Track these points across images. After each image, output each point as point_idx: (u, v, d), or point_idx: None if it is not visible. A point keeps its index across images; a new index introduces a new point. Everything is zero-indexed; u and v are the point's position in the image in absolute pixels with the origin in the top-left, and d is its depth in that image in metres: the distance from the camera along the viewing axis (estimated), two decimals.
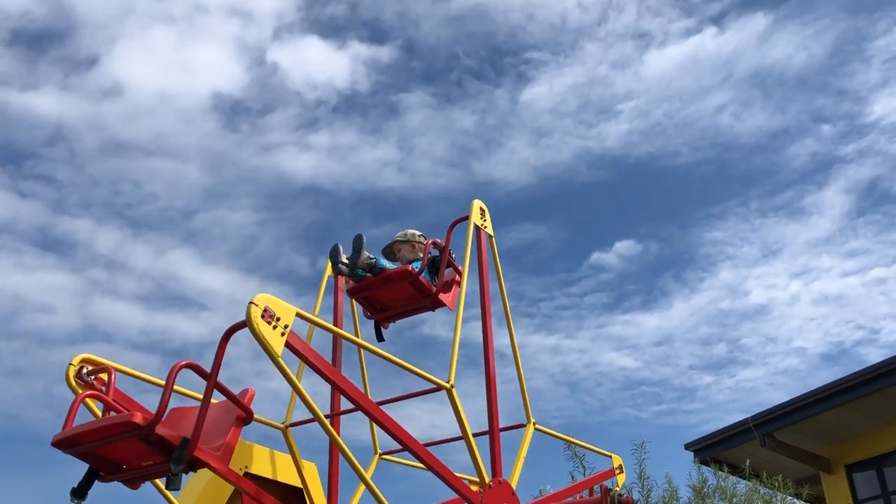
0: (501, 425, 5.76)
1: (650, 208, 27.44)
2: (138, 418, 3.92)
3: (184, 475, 4.06)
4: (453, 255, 5.80)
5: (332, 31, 25.22)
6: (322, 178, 24.84)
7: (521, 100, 26.41)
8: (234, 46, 23.85)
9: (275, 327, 3.93)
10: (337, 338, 5.94)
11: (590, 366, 24.50)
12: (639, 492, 9.46)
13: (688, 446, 13.42)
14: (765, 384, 24.51)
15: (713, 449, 12.94)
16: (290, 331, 4.03)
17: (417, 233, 5.83)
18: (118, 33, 22.84)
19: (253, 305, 3.88)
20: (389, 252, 5.84)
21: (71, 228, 22.83)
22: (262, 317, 3.88)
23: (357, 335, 6.24)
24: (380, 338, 5.77)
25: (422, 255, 5.66)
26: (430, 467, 4.82)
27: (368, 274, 5.54)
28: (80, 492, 4.18)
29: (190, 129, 24.04)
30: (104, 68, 22.91)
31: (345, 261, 5.44)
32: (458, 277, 5.78)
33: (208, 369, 4.09)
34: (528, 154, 26.26)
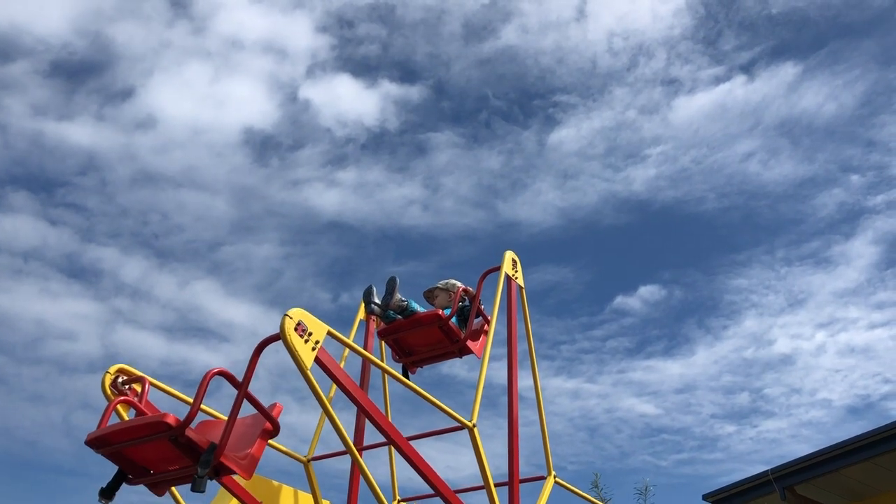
0: (521, 474, 6.01)
1: (675, 253, 28.04)
2: (170, 419, 4.24)
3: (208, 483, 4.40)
4: (482, 306, 6.19)
5: (364, 69, 26.21)
6: (348, 214, 25.67)
7: (549, 142, 27.24)
8: (268, 82, 24.87)
9: (306, 341, 4.27)
10: (364, 372, 6.33)
11: (610, 411, 24.87)
12: None
13: (706, 497, 13.58)
14: (788, 436, 24.77)
15: (731, 501, 13.11)
16: (321, 347, 4.38)
17: (460, 284, 6.23)
18: (154, 66, 23.89)
19: (287, 318, 4.22)
20: (429, 295, 6.26)
21: (98, 257, 23.69)
22: (296, 329, 4.23)
23: (384, 377, 6.62)
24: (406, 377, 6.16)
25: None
26: (446, 501, 5.10)
27: (399, 316, 5.95)
28: (108, 492, 4.51)
29: (220, 163, 24.99)
30: (139, 100, 23.92)
31: (377, 301, 5.86)
32: (486, 326, 6.16)
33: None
34: (554, 196, 27.00)
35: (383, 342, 6.32)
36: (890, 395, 25.48)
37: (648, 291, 26.36)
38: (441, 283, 6.26)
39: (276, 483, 6.00)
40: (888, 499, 12.45)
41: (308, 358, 4.30)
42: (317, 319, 4.42)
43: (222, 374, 4.39)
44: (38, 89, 23.07)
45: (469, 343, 6.02)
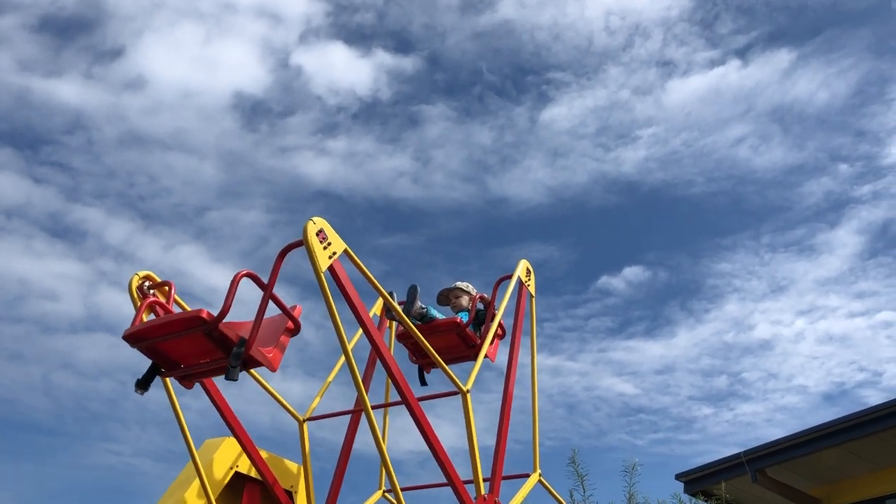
0: (507, 471, 6.32)
1: (661, 236, 28.62)
2: (205, 314, 4.64)
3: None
4: (497, 312, 6.54)
5: (359, 38, 26.13)
6: (337, 183, 25.76)
7: (541, 119, 27.42)
8: (260, 47, 24.80)
9: (325, 248, 4.68)
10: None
11: (589, 389, 25.46)
12: None
13: (678, 476, 14.08)
14: (763, 420, 25.65)
15: (704, 481, 13.59)
16: (337, 260, 4.75)
17: (473, 288, 6.57)
18: (146, 26, 23.69)
19: (311, 222, 4.64)
20: (445, 298, 6.57)
21: (83, 217, 23.59)
22: (317, 235, 4.65)
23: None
24: (423, 382, 6.47)
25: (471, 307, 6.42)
26: (441, 464, 5.39)
27: (419, 322, 6.27)
28: (143, 383, 4.92)
29: (209, 127, 24.92)
30: (129, 60, 23.73)
31: (398, 308, 6.16)
32: (499, 331, 6.52)
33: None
34: (544, 174, 27.30)
35: (394, 339, 6.67)
36: (865, 383, 26.41)
37: (633, 272, 26.98)
38: (461, 285, 6.57)
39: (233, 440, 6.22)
40: (857, 483, 13.08)
41: (324, 262, 4.67)
42: (338, 236, 4.82)
43: (249, 275, 4.79)
44: (25, 44, 22.86)
45: None
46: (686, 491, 13.77)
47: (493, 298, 6.53)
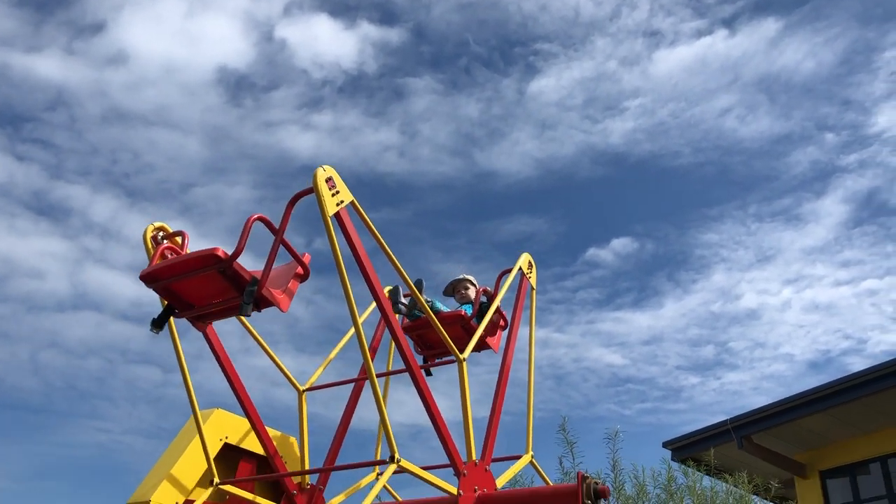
0: (500, 452, 6.46)
1: (649, 207, 28.78)
2: (220, 252, 4.89)
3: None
4: (500, 305, 6.78)
5: (343, 10, 25.90)
6: (322, 158, 25.66)
7: (528, 91, 27.32)
8: (243, 20, 24.48)
9: (333, 195, 4.92)
10: None
11: (577, 360, 25.73)
12: (611, 484, 10.52)
13: (665, 444, 14.44)
14: (749, 388, 26.09)
15: (691, 449, 13.98)
16: (345, 209, 5.00)
17: (476, 282, 6.82)
18: (126, 0, 23.09)
19: (321, 169, 4.90)
20: (452, 288, 6.79)
21: (66, 194, 23.44)
22: (326, 182, 4.89)
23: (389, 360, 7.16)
24: (427, 373, 6.71)
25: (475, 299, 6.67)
26: (436, 427, 5.56)
27: (423, 315, 6.49)
28: (158, 323, 5.21)
29: (193, 102, 24.69)
30: (110, 35, 23.38)
31: (404, 301, 6.38)
32: (502, 322, 6.77)
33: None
34: (531, 146, 27.28)
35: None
36: (849, 350, 26.91)
37: (621, 244, 27.19)
38: (470, 277, 6.79)
39: (227, 413, 6.41)
40: (840, 448, 13.52)
41: (331, 207, 4.90)
42: (346, 187, 5.06)
43: (261, 219, 5.06)
44: (4, 19, 22.50)
45: (487, 338, 6.60)
46: (674, 458, 14.10)
47: (496, 290, 6.77)
